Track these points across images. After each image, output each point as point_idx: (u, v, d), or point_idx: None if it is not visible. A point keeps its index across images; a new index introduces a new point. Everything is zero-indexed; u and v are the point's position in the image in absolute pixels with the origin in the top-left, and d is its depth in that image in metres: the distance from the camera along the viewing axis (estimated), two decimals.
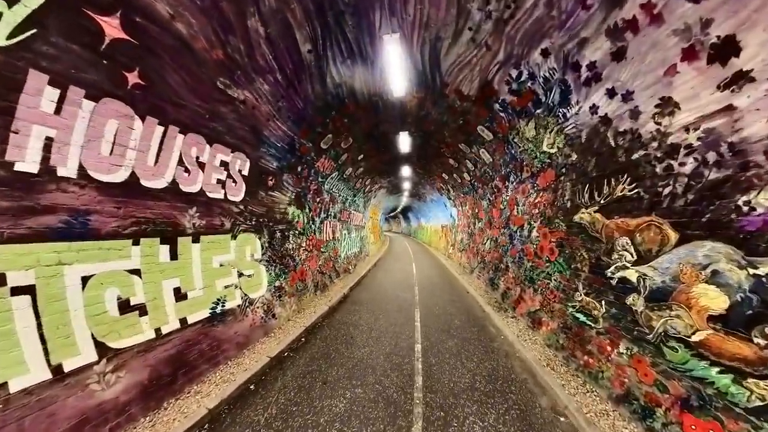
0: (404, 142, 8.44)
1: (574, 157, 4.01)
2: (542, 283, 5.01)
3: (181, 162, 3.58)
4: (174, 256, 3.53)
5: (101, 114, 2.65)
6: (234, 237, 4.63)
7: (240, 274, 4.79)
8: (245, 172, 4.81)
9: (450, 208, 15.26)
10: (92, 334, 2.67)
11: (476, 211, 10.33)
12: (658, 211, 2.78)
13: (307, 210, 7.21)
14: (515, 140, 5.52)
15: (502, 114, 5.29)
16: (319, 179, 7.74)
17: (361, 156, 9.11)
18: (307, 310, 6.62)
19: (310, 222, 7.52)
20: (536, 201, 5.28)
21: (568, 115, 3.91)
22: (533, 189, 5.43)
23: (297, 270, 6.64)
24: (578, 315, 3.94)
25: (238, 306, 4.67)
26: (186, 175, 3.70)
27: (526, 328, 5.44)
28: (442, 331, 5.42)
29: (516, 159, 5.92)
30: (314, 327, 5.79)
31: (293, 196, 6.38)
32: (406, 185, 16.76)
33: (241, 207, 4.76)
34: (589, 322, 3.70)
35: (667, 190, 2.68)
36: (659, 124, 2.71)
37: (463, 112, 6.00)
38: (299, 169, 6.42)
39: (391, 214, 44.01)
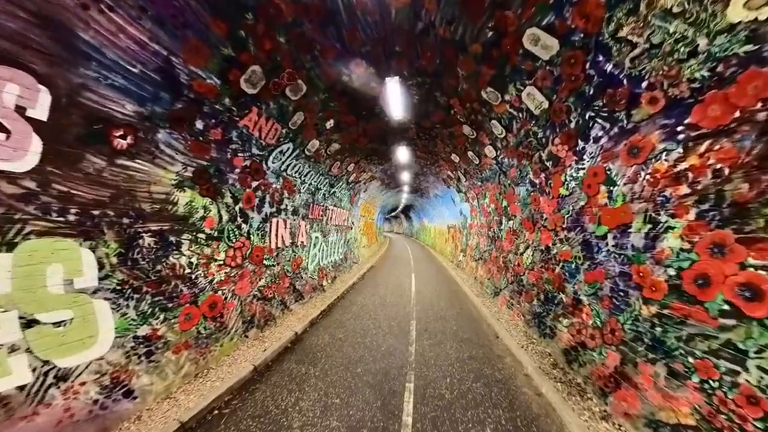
0: (394, 99, 5.93)
1: None
2: (704, 363, 2.41)
3: None
4: None
5: None
6: (8, 247, 2.43)
7: (29, 323, 2.57)
8: (38, 114, 2.56)
9: (460, 203, 12.75)
10: None
11: (504, 203, 7.80)
12: None
13: (228, 199, 4.84)
14: (620, 34, 2.83)
15: None
16: (256, 151, 5.35)
17: (332, 122, 6.71)
18: (218, 370, 4.26)
19: (238, 219, 5.15)
20: (680, 170, 2.61)
21: None
22: (672, 140, 2.69)
23: (200, 302, 4.28)
24: None
25: (21, 388, 2.50)
26: None
27: None
28: None
29: (614, 82, 3.20)
30: (202, 420, 3.39)
31: (189, 173, 4.01)
32: (405, 177, 14.36)
33: (31, 185, 2.55)
34: None
35: None
36: None
37: (496, 2, 3.49)
38: (200, 126, 4.04)
39: (392, 214, 42.49)
